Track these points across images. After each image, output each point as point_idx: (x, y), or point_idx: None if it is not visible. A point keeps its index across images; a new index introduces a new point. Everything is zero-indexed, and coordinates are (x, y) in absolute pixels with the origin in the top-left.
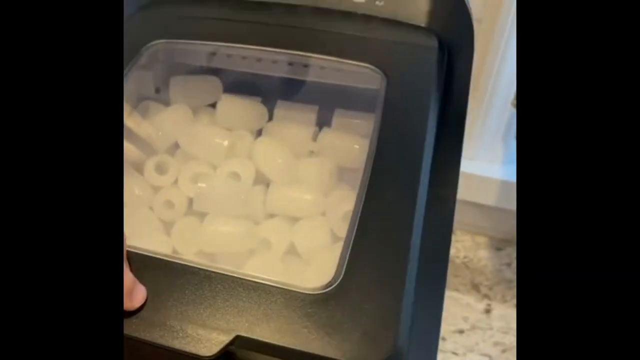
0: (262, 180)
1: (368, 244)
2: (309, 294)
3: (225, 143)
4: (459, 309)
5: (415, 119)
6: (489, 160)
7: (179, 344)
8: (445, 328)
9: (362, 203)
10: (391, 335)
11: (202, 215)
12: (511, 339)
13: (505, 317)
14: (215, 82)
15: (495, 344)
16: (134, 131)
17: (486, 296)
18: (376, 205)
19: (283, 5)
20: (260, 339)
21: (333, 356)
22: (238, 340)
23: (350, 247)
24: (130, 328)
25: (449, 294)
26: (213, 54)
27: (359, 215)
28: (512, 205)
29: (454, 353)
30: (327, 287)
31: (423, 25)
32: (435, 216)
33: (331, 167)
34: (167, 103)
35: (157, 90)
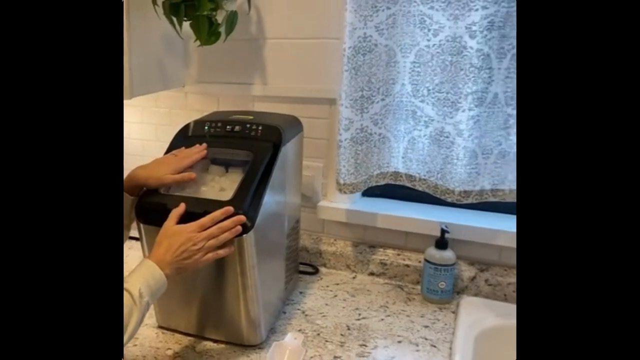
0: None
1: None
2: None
3: (208, 179)
4: (337, 278)
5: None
6: (350, 201)
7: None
8: (335, 287)
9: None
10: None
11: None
12: (357, 285)
13: (362, 281)
14: (208, 161)
15: (350, 289)
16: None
17: (354, 271)
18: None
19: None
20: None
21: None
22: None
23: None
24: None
25: (335, 272)
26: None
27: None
28: (362, 221)
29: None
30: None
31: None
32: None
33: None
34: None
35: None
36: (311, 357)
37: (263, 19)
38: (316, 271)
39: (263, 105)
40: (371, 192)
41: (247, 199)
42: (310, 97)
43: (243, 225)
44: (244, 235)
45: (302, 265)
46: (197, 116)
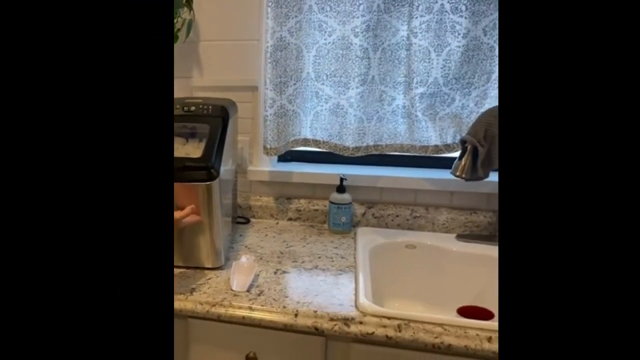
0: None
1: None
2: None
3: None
4: (265, 224)
5: (213, 136)
6: (270, 165)
7: None
8: (265, 230)
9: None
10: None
11: None
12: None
13: (284, 225)
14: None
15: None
16: None
17: (276, 218)
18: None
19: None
20: None
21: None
22: None
23: (204, 149)
24: None
25: (263, 221)
26: None
27: (208, 142)
28: (280, 179)
29: None
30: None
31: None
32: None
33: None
34: None
35: None
36: (260, 271)
37: (199, 25)
38: (248, 221)
39: (201, 93)
40: (284, 158)
41: (213, 155)
42: (237, 86)
43: (210, 174)
44: (212, 182)
45: (238, 218)
46: None
